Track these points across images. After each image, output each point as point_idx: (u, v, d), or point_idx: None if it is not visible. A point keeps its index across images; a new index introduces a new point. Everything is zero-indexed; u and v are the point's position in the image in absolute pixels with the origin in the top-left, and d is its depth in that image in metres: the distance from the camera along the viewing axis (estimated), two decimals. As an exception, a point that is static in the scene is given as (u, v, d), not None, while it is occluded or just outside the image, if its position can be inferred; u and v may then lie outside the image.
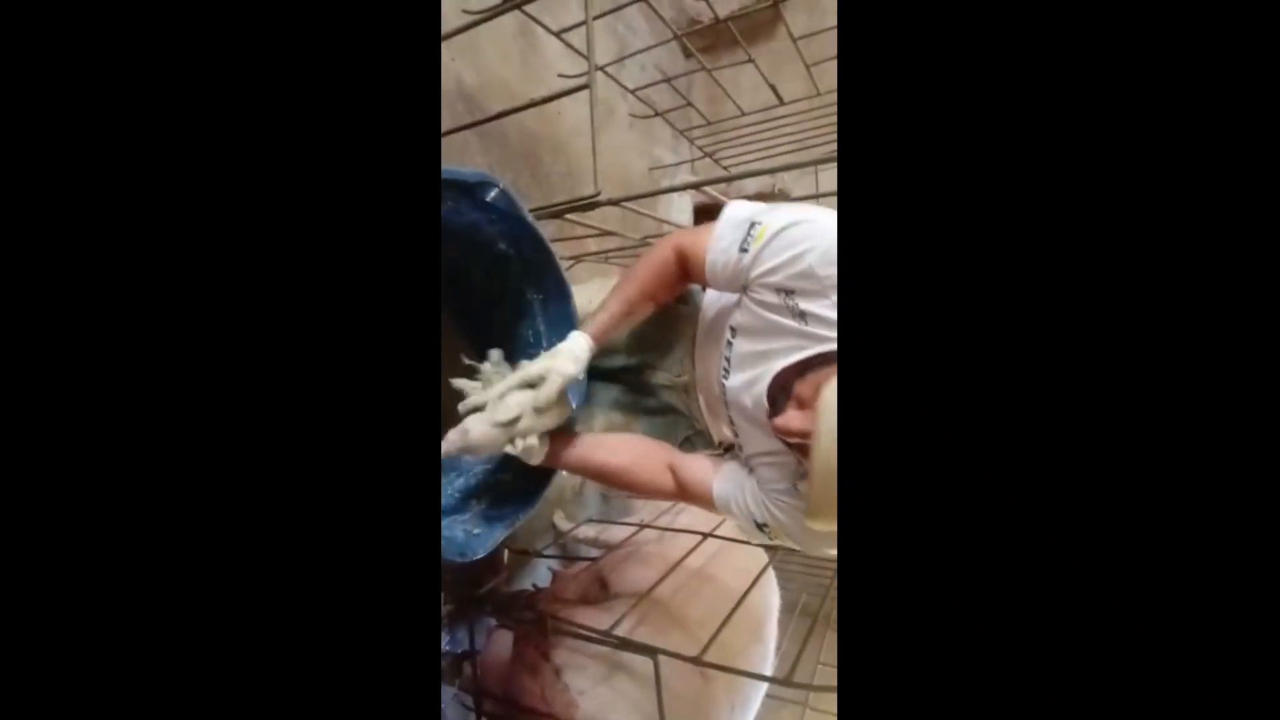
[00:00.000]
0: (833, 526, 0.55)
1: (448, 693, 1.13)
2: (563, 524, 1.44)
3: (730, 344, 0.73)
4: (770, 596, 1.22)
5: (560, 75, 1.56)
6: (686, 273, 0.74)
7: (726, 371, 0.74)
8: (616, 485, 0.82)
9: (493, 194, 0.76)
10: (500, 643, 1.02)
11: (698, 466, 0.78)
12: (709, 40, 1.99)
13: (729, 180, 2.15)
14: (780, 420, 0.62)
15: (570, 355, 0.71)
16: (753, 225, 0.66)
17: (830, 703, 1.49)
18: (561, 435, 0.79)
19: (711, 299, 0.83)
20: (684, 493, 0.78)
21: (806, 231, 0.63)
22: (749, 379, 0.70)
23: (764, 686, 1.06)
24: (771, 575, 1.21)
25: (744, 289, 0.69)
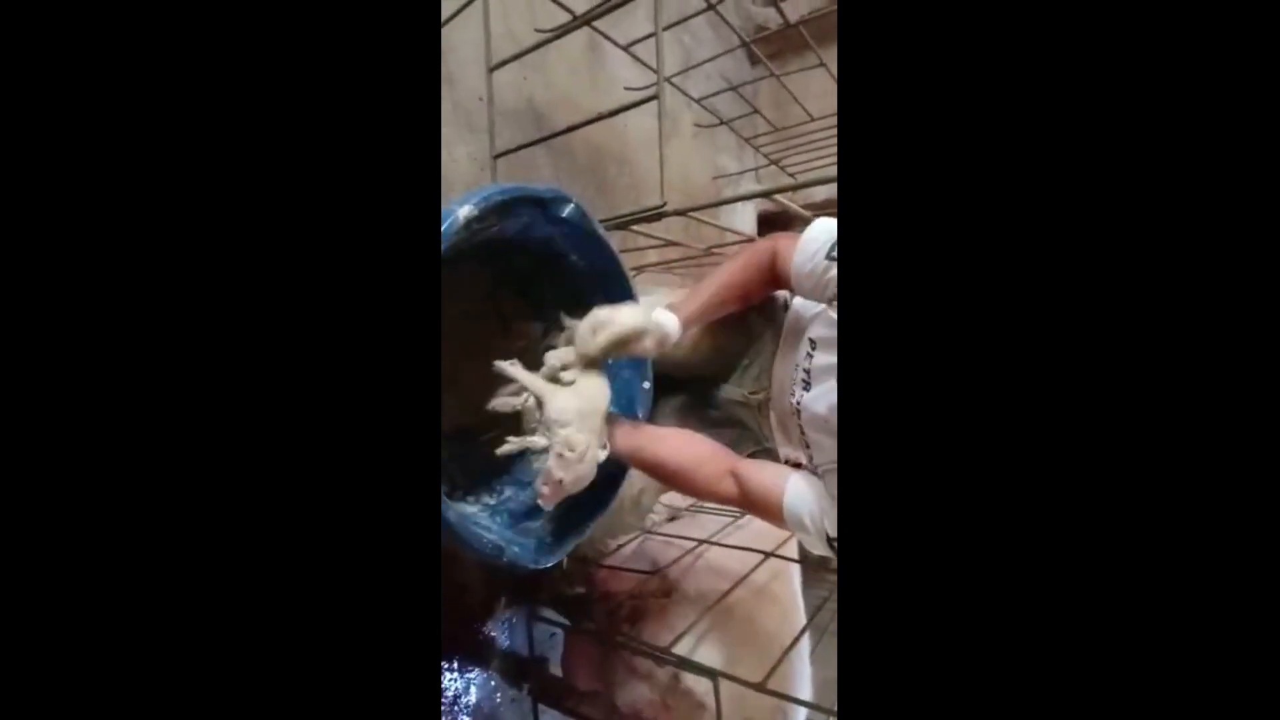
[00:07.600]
0: None
1: (506, 694, 1.15)
2: (651, 513, 1.41)
3: (810, 356, 0.72)
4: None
5: (627, 88, 1.59)
6: (776, 276, 0.74)
7: (807, 385, 0.73)
8: (674, 484, 0.79)
9: (568, 209, 0.79)
10: (582, 648, 1.01)
11: (766, 475, 0.72)
12: (776, 46, 1.96)
13: (795, 189, 2.10)
14: None
15: (654, 317, 0.73)
16: None
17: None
18: (624, 424, 0.78)
19: (794, 314, 0.83)
20: (748, 502, 0.73)
21: None
22: (825, 389, 0.68)
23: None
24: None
25: (829, 301, 0.67)
